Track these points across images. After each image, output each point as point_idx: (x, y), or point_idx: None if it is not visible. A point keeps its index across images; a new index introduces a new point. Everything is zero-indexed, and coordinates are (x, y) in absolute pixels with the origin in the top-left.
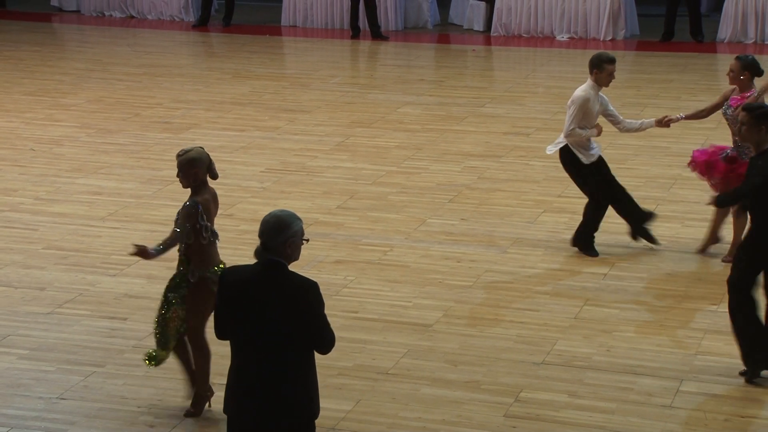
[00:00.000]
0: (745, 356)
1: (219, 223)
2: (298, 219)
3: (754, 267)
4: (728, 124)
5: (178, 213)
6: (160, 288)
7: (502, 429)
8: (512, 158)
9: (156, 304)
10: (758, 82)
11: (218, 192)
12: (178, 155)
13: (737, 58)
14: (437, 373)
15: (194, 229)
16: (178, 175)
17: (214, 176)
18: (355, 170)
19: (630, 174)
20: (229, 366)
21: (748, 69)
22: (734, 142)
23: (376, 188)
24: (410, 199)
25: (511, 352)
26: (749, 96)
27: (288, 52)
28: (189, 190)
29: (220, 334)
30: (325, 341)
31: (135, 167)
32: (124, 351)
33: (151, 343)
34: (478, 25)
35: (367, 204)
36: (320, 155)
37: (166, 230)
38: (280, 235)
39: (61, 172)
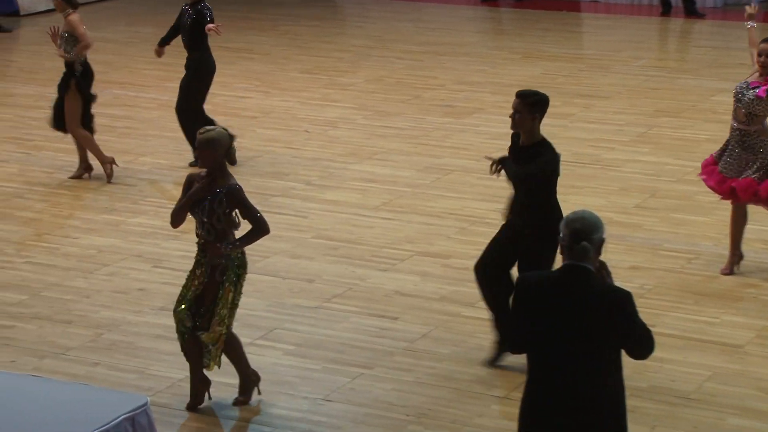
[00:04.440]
0: None
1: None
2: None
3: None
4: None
5: (217, 200)
6: (435, 286)
7: None
8: None
9: (430, 305)
10: None
11: None
12: (199, 132)
13: None
14: (747, 402)
15: (232, 214)
16: (195, 155)
17: (232, 162)
18: (658, 165)
19: None
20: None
21: None
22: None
23: (681, 186)
24: (722, 201)
25: None
26: None
27: (586, 30)
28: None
29: (518, 347)
30: (646, 347)
31: (412, 153)
32: (393, 353)
33: (422, 346)
34: None
35: (670, 204)
36: (618, 147)
37: (444, 224)
38: (596, 233)
39: (335, 157)
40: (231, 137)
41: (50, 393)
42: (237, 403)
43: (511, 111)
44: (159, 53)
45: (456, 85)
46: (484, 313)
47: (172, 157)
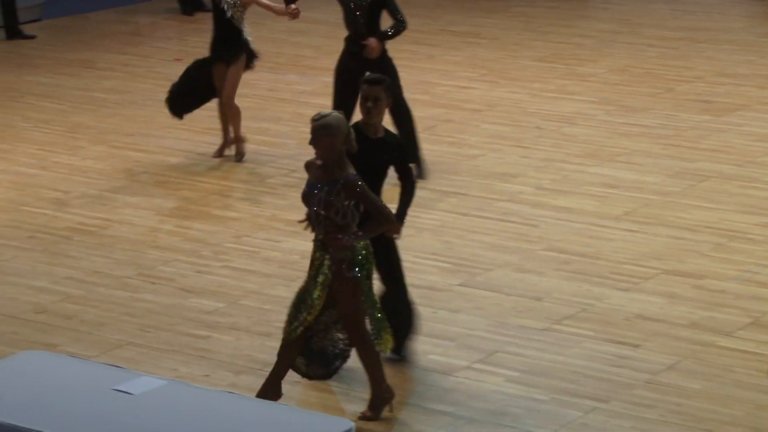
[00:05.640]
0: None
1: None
2: None
3: None
4: None
5: (335, 192)
6: (685, 310)
7: None
8: None
9: (678, 332)
10: None
11: None
12: (313, 119)
13: None
14: None
15: (355, 207)
16: (310, 143)
17: (352, 150)
18: None
19: None
20: None
21: None
22: None
23: None
24: None
25: None
26: None
27: None
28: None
29: None
30: None
31: (661, 156)
32: (633, 386)
33: (667, 379)
34: None
35: None
36: None
37: (697, 238)
38: None
39: (570, 158)
40: (348, 122)
41: (246, 413)
42: (363, 418)
43: None
44: (293, 13)
45: (716, 77)
46: (743, 343)
47: None
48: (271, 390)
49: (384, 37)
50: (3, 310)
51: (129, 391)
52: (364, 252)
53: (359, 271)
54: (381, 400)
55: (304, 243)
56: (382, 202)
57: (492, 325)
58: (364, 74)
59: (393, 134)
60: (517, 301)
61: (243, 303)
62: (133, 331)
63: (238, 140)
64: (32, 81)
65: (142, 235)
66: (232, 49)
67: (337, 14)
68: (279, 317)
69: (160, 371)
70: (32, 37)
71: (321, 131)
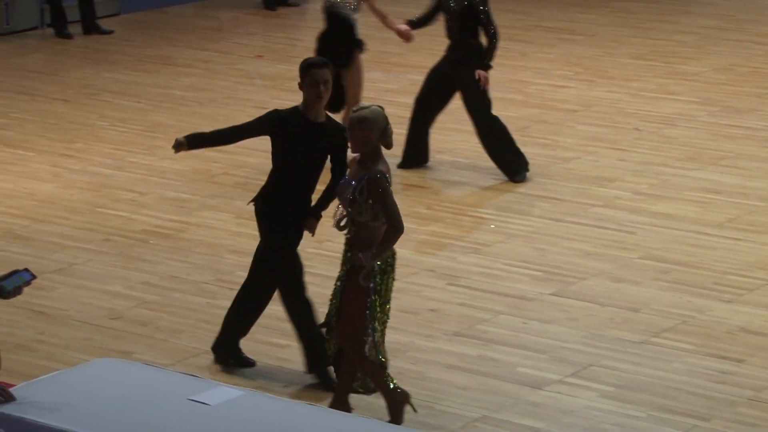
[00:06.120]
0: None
1: None
2: None
3: None
4: None
5: (359, 189)
6: None
7: None
8: None
9: None
10: None
11: None
12: (353, 110)
13: None
14: None
15: (374, 205)
16: (348, 135)
17: (388, 145)
18: None
19: None
20: None
21: None
22: None
23: None
24: None
25: None
26: None
27: None
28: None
29: None
30: None
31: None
32: (736, 403)
33: None
34: None
35: None
36: None
37: None
38: None
39: (671, 161)
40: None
41: (329, 425)
42: None
43: None
44: (406, 35)
45: None
46: None
47: (474, 156)
48: (341, 404)
49: (485, 67)
50: (76, 315)
51: (205, 402)
52: (389, 259)
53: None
54: (396, 403)
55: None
56: (398, 211)
57: (586, 337)
58: (457, 82)
59: (335, 120)
60: (612, 312)
61: (324, 311)
62: (210, 339)
63: None
64: (109, 78)
65: (221, 238)
66: (344, 49)
67: (423, 9)
68: None
69: (237, 381)
70: (110, 33)
71: (356, 124)
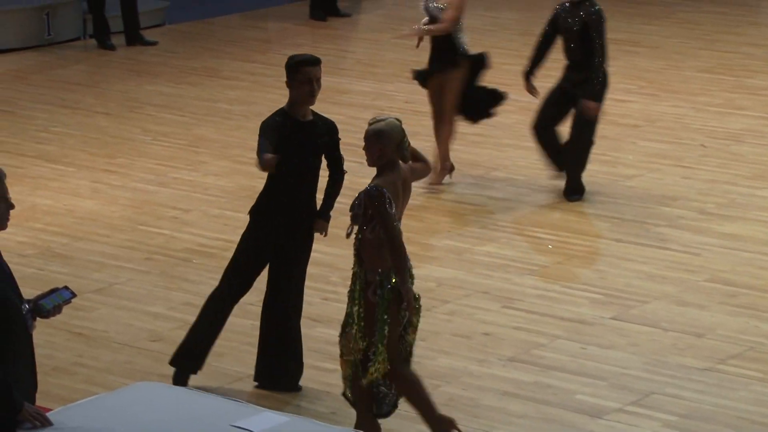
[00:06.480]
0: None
1: None
2: None
3: None
4: None
5: (361, 202)
6: None
7: None
8: None
9: None
10: None
11: None
12: (369, 122)
13: None
14: None
15: (371, 217)
16: (363, 148)
17: (405, 159)
18: None
19: None
20: None
21: None
22: None
23: None
24: None
25: None
26: None
27: None
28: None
29: None
30: None
31: None
32: None
33: None
34: None
35: None
36: None
37: None
38: None
39: (738, 179)
40: (402, 129)
41: None
42: None
43: None
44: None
45: None
46: None
47: (531, 173)
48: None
49: (597, 98)
50: (117, 337)
51: (249, 429)
52: (389, 287)
53: (380, 303)
54: (368, 429)
55: (440, 269)
56: (396, 228)
57: (648, 364)
58: (576, 102)
59: (324, 117)
60: (676, 338)
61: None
62: (255, 363)
63: (445, 167)
64: (152, 90)
65: None
66: (446, 61)
67: (482, 19)
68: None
69: (282, 407)
70: (154, 44)
71: (372, 137)
